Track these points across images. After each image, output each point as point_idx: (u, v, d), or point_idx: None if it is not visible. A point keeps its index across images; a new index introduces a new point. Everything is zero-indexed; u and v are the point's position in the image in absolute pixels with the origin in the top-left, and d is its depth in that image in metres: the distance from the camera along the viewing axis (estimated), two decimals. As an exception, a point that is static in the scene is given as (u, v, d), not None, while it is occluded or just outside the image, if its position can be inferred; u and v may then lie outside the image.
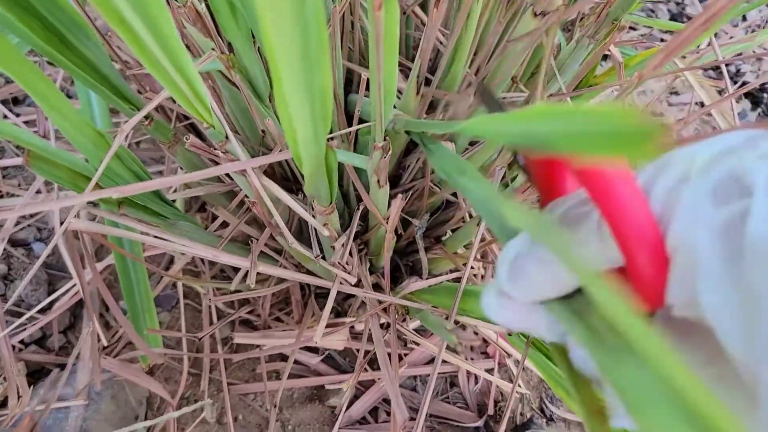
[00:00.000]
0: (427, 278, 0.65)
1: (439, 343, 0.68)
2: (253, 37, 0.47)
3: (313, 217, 0.49)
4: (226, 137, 0.43)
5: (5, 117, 0.92)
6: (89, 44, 0.43)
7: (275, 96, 0.29)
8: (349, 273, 0.48)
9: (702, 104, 1.07)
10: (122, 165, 0.44)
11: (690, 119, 0.99)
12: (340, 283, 0.48)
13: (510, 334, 0.52)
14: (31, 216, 0.86)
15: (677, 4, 1.19)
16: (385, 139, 0.45)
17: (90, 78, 0.42)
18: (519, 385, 0.67)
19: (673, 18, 1.14)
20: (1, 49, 0.31)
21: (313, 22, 0.23)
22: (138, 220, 0.48)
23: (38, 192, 0.80)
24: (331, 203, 0.45)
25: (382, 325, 0.58)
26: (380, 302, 0.53)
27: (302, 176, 0.59)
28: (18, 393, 0.68)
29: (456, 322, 0.53)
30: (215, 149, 0.44)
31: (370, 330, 0.53)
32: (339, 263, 0.47)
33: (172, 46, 0.31)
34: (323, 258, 0.50)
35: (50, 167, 0.38)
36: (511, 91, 0.67)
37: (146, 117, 0.50)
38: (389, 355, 0.51)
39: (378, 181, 0.51)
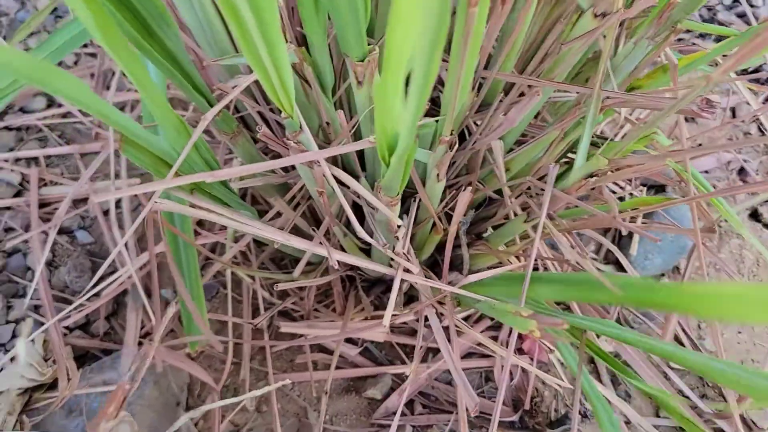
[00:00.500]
0: (470, 273, 0.66)
1: (484, 335, 0.69)
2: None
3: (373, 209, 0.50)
4: (300, 128, 0.45)
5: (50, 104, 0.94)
6: (170, 34, 0.44)
7: (380, 88, 0.30)
8: (410, 263, 0.50)
9: (733, 111, 1.08)
10: (198, 153, 0.46)
11: (725, 125, 1.00)
12: (403, 272, 0.49)
13: (565, 328, 0.53)
14: (76, 205, 0.88)
15: (708, 9, 1.20)
16: (451, 134, 0.46)
17: (171, 67, 0.44)
18: (562, 380, 0.68)
19: (705, 23, 1.14)
20: (111, 36, 0.32)
21: (443, 19, 0.24)
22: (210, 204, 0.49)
23: (86, 181, 0.82)
24: (398, 194, 0.46)
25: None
26: (435, 292, 0.54)
27: (360, 170, 0.60)
28: (68, 375, 0.70)
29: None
30: (288, 139, 0.46)
31: (426, 319, 0.54)
32: (403, 252, 0.48)
33: (273, 35, 0.33)
34: (390, 248, 0.51)
35: (139, 152, 0.40)
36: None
37: (212, 107, 0.52)
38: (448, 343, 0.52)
39: (437, 174, 0.52)
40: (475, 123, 0.69)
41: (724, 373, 0.44)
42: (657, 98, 0.50)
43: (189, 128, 0.44)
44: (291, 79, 0.38)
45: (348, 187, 0.53)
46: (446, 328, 0.53)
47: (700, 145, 1.03)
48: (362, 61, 0.42)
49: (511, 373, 0.80)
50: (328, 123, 0.53)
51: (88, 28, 0.31)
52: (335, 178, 0.47)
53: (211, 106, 0.51)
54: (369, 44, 0.43)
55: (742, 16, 1.22)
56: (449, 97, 0.42)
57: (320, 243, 0.49)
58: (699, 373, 0.45)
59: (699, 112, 0.43)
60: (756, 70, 1.07)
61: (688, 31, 1.09)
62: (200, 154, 0.47)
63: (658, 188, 0.96)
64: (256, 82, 0.65)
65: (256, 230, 0.43)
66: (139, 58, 0.35)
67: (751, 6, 1.23)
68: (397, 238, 0.49)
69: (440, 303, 0.55)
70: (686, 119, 0.97)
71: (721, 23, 1.19)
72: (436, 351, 0.81)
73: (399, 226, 0.48)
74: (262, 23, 0.31)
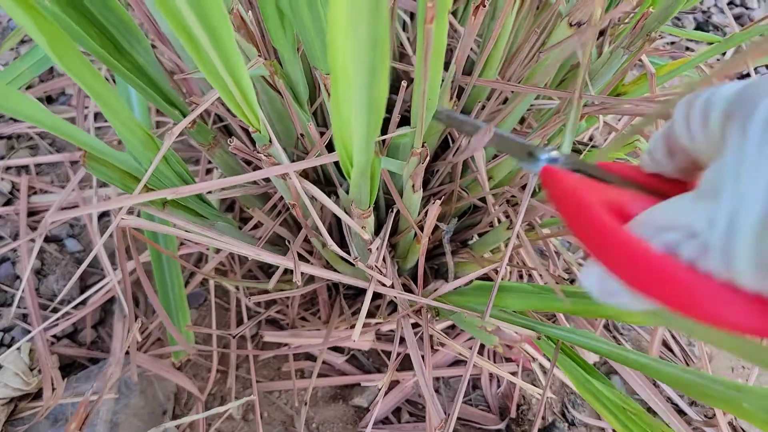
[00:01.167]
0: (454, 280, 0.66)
1: (466, 345, 0.69)
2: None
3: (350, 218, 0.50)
4: (270, 141, 0.45)
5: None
6: (139, 49, 0.44)
7: (333, 103, 0.30)
8: (384, 275, 0.49)
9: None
10: (168, 166, 0.46)
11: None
12: (376, 284, 0.49)
13: (539, 338, 0.52)
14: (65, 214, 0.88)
15: (703, 12, 1.19)
16: (423, 146, 0.46)
17: (140, 82, 0.44)
18: (548, 389, 0.68)
19: (699, 27, 1.14)
20: (63, 49, 0.32)
21: (381, 36, 0.24)
22: (180, 219, 0.49)
23: (73, 190, 0.82)
24: (369, 207, 0.46)
25: (413, 326, 0.59)
26: (411, 304, 0.54)
27: (340, 180, 0.60)
28: (53, 385, 0.70)
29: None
30: (258, 152, 0.45)
31: (402, 330, 0.54)
32: (375, 265, 0.48)
33: (229, 53, 0.33)
34: (364, 260, 0.51)
35: (104, 167, 0.40)
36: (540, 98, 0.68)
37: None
38: (422, 356, 0.52)
39: (413, 185, 0.52)
40: (454, 132, 0.69)
41: (697, 386, 0.44)
42: (638, 104, 0.50)
43: (158, 141, 0.44)
44: (253, 94, 0.38)
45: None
46: (431, 337, 0.53)
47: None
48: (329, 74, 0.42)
49: (498, 381, 0.80)
50: (302, 135, 0.53)
51: (41, 45, 0.31)
52: (306, 190, 0.47)
53: (185, 117, 0.51)
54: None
55: (738, 18, 1.21)
56: (416, 111, 0.42)
57: (292, 256, 0.48)
58: (672, 386, 0.45)
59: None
60: (744, 76, 1.06)
61: (679, 36, 1.08)
62: (171, 167, 0.46)
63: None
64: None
65: (224, 245, 0.43)
66: (96, 73, 0.35)
67: (747, 8, 1.22)
68: (371, 251, 0.49)
69: (416, 313, 0.55)
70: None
71: (716, 26, 1.18)
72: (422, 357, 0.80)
73: (371, 240, 0.48)
74: (217, 41, 0.31)
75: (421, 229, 0.62)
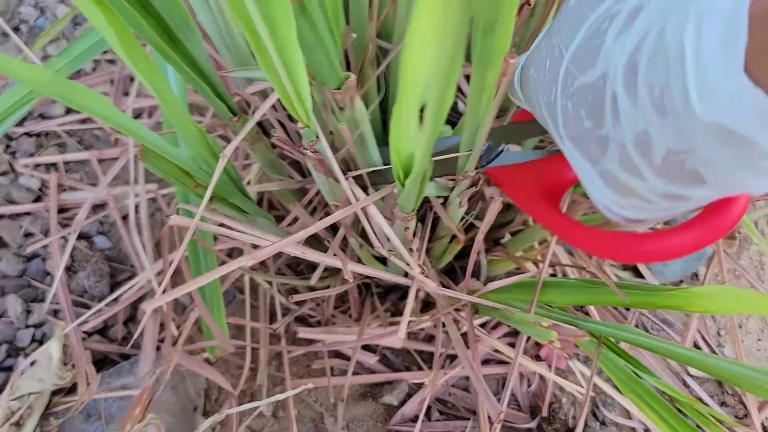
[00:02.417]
0: (487, 279, 0.66)
1: (501, 341, 0.69)
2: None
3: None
4: (317, 137, 0.45)
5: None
6: (193, 41, 0.45)
7: (397, 114, 0.30)
8: (426, 275, 0.49)
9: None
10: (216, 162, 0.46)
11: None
12: (419, 282, 0.49)
13: (583, 336, 0.52)
14: (95, 211, 0.89)
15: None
16: (476, 169, 0.46)
17: (193, 74, 0.44)
18: (591, 385, 0.68)
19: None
20: (132, 49, 0.32)
21: (457, 51, 0.24)
22: (224, 215, 0.50)
23: (107, 185, 0.82)
24: (413, 211, 0.46)
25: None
26: (453, 301, 0.54)
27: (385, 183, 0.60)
28: (87, 380, 0.70)
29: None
30: (305, 148, 0.46)
31: (441, 327, 0.54)
32: (419, 264, 0.48)
33: (289, 49, 0.33)
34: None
35: (159, 162, 0.40)
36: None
37: (233, 114, 0.52)
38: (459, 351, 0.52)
39: (460, 203, 0.52)
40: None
41: (745, 377, 0.44)
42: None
43: (209, 138, 0.44)
44: (307, 90, 0.38)
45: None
46: (464, 335, 0.53)
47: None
48: (339, 89, 0.42)
49: (528, 380, 0.80)
50: (331, 132, 0.53)
51: (109, 41, 0.31)
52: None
53: (232, 112, 0.52)
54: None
55: None
56: (470, 136, 0.42)
57: (335, 254, 0.49)
58: (719, 378, 0.45)
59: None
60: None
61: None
62: (225, 166, 0.47)
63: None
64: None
65: (274, 246, 0.43)
66: (159, 69, 0.35)
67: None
68: (412, 251, 0.49)
69: (457, 310, 0.55)
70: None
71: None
72: (453, 357, 0.80)
73: (413, 241, 0.48)
74: (277, 36, 0.31)
75: (463, 230, 0.62)
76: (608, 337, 0.53)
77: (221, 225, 0.43)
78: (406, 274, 0.56)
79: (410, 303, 0.47)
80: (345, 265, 0.44)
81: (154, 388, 0.43)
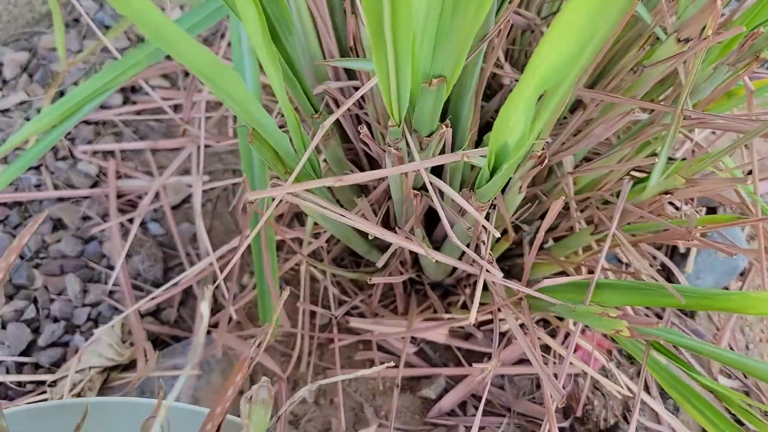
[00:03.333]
0: (528, 282, 0.69)
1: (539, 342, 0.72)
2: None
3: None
4: (402, 136, 0.48)
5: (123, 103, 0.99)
6: (291, 41, 0.48)
7: (513, 109, 0.33)
8: (492, 265, 0.53)
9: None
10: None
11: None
12: (486, 271, 0.52)
13: (633, 335, 0.55)
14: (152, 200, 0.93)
15: None
16: (543, 149, 0.49)
17: (291, 72, 0.48)
18: (623, 387, 0.71)
19: None
20: (269, 49, 0.36)
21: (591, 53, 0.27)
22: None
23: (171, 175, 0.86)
24: (489, 201, 0.49)
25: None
26: (510, 295, 0.57)
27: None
28: (146, 357, 0.74)
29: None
30: (389, 145, 0.49)
31: (500, 318, 0.57)
32: (489, 253, 0.52)
33: (402, 57, 0.36)
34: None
35: (264, 147, 0.44)
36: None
37: (315, 110, 0.56)
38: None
39: (520, 186, 0.55)
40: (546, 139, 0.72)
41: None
42: (738, 120, 0.53)
43: (303, 131, 0.48)
44: (408, 89, 0.41)
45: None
46: (522, 326, 0.56)
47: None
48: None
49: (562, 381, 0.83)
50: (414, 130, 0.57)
51: (251, 32, 0.34)
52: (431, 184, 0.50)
53: (315, 109, 0.55)
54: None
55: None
56: (552, 113, 0.45)
57: (407, 238, 0.52)
58: (761, 378, 0.48)
59: (783, 136, 0.46)
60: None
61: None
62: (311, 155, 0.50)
63: (710, 209, 0.98)
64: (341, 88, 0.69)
65: (361, 225, 0.47)
66: (278, 65, 0.39)
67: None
68: (483, 243, 0.52)
69: (514, 305, 0.58)
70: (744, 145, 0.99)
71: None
72: (489, 355, 0.84)
73: (482, 231, 0.52)
74: (397, 43, 0.35)
75: (513, 228, 0.65)
76: (657, 341, 0.56)
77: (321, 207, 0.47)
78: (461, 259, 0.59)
79: (479, 290, 0.50)
80: (424, 248, 0.48)
81: (255, 353, 0.46)
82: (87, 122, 1.00)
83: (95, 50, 1.03)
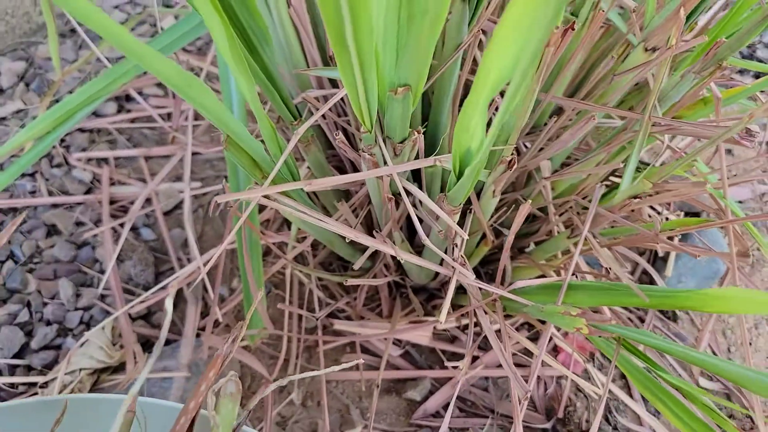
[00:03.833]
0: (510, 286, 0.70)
1: (521, 346, 0.73)
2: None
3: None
4: (375, 142, 0.50)
5: (119, 110, 1.01)
6: (268, 51, 0.50)
7: (469, 109, 0.35)
8: (466, 268, 0.54)
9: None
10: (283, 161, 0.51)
11: (762, 155, 1.03)
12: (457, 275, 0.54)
13: (600, 336, 0.57)
14: (143, 206, 0.94)
15: (749, 47, 1.24)
16: (511, 155, 0.51)
17: (267, 80, 0.50)
18: (609, 384, 0.72)
19: (745, 60, 1.19)
20: (236, 53, 0.38)
21: (540, 49, 0.29)
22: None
23: (161, 181, 0.88)
24: (460, 204, 0.51)
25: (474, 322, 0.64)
26: (485, 296, 0.59)
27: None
28: (135, 359, 0.75)
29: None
30: (363, 151, 0.51)
31: (475, 317, 0.59)
32: (461, 255, 0.53)
33: (367, 65, 0.38)
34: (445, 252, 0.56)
35: (238, 154, 0.46)
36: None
37: (294, 117, 0.58)
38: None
39: (494, 191, 0.57)
40: (524, 144, 0.74)
41: (759, 383, 0.48)
42: (703, 126, 0.54)
43: (279, 137, 0.50)
44: (375, 97, 0.43)
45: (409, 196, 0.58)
46: (497, 332, 0.57)
47: (735, 175, 1.06)
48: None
49: (545, 384, 0.84)
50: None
51: (218, 40, 0.36)
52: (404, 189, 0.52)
53: (293, 116, 0.57)
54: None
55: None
56: (516, 119, 0.47)
57: (384, 242, 0.54)
58: (732, 381, 0.49)
59: (740, 141, 0.48)
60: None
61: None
62: (285, 162, 0.52)
63: (693, 215, 0.99)
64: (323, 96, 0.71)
65: (337, 229, 0.49)
66: (248, 68, 0.41)
67: (790, 43, 1.27)
68: (456, 246, 0.54)
69: (489, 307, 0.59)
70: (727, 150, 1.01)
71: (760, 60, 1.23)
72: (474, 358, 0.85)
73: (456, 235, 0.53)
74: (360, 51, 0.36)
75: (492, 231, 0.67)
76: (627, 340, 0.57)
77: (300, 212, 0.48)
78: (441, 264, 0.61)
79: (450, 291, 0.52)
80: (396, 251, 0.49)
81: (227, 351, 0.47)
82: (82, 130, 1.02)
83: (89, 59, 1.05)
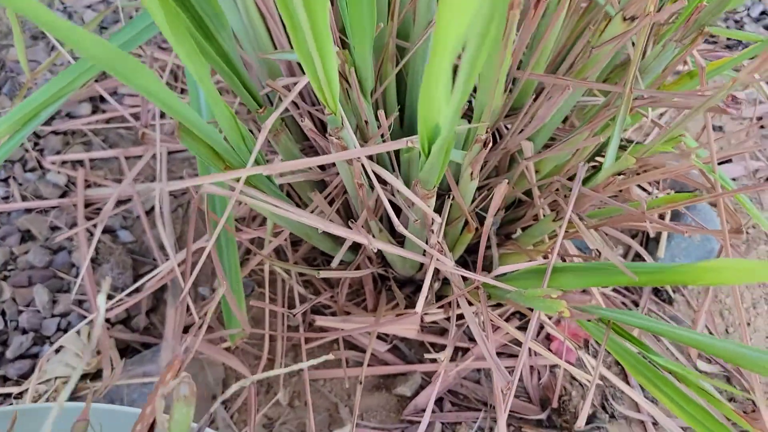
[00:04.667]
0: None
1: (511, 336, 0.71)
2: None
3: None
4: (342, 124, 0.47)
5: (95, 111, 0.99)
6: (225, 36, 0.48)
7: (427, 78, 0.33)
8: (444, 255, 0.52)
9: (760, 120, 1.08)
10: (246, 148, 0.49)
11: (752, 127, 1.01)
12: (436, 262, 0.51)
13: (589, 320, 0.54)
14: (118, 206, 0.92)
15: (736, 22, 1.21)
16: (486, 132, 0.49)
17: (227, 68, 0.47)
18: (599, 368, 0.70)
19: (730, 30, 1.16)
20: (181, 36, 0.35)
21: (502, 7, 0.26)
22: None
23: (135, 180, 0.85)
24: (434, 187, 0.49)
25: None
26: (466, 286, 0.56)
27: (398, 170, 0.63)
28: (112, 365, 0.73)
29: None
30: (330, 135, 0.48)
31: (459, 318, 0.57)
32: (438, 241, 0.51)
33: (323, 36, 0.35)
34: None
35: (195, 142, 0.43)
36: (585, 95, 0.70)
37: (259, 105, 0.55)
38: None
39: (471, 173, 0.54)
40: (505, 126, 0.71)
41: (754, 360, 0.46)
42: (687, 96, 0.52)
43: (240, 124, 0.47)
44: (336, 78, 0.41)
45: (385, 184, 0.55)
46: (484, 317, 0.55)
47: (723, 149, 1.03)
48: None
49: (539, 373, 0.81)
50: (366, 122, 0.56)
51: (162, 27, 0.34)
52: (375, 174, 0.50)
53: (258, 104, 0.54)
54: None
55: (769, 27, 1.23)
56: (486, 95, 0.45)
57: (359, 232, 0.51)
58: (728, 361, 0.47)
59: (725, 108, 0.45)
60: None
61: (714, 42, 1.11)
62: (248, 149, 0.49)
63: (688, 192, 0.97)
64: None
65: (306, 219, 0.46)
66: (203, 61, 0.38)
67: (779, 17, 1.24)
68: (432, 232, 0.51)
69: (472, 295, 0.57)
70: (713, 127, 0.98)
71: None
72: (465, 350, 0.83)
73: (433, 221, 0.51)
74: (314, 24, 0.34)
75: (476, 218, 0.64)
76: (618, 324, 0.55)
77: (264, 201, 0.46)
78: (424, 254, 0.58)
79: (428, 278, 0.50)
80: (370, 240, 0.47)
81: (185, 355, 0.45)
82: (56, 132, 1.00)
83: (55, 60, 1.02)
